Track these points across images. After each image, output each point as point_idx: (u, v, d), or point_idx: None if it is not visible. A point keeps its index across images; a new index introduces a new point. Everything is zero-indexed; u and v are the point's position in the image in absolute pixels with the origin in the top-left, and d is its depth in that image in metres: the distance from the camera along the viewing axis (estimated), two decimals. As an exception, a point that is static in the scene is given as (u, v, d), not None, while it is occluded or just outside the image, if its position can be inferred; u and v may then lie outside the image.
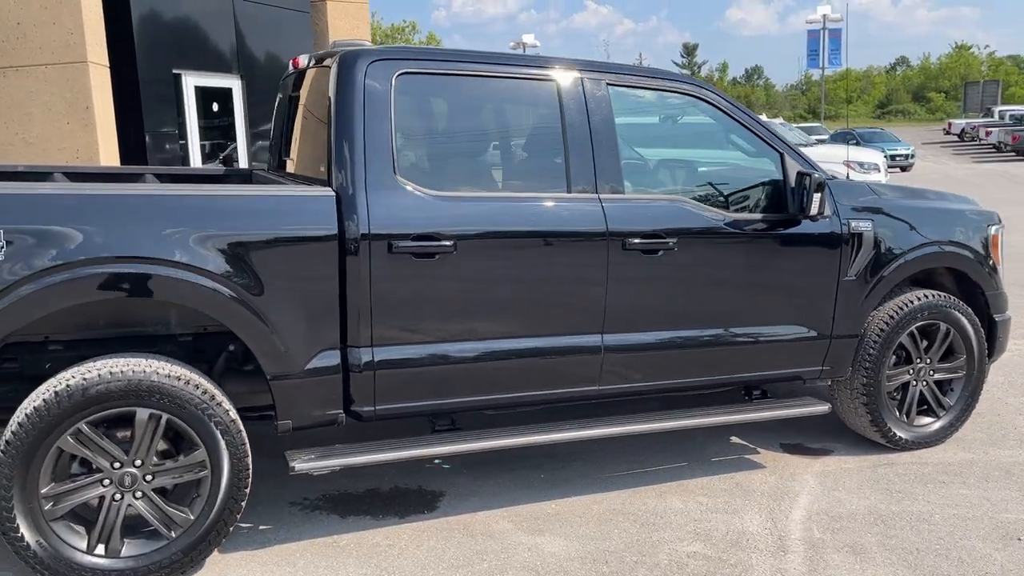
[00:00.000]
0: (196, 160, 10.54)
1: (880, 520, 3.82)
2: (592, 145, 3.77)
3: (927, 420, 4.69)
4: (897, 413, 4.59)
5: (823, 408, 4.37)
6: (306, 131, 4.10)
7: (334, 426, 3.51)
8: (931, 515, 3.86)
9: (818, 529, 3.75)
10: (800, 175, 4.05)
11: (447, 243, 3.45)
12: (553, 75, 3.79)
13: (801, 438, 4.84)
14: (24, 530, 3.04)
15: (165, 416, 3.17)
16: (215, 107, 10.92)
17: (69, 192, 3.13)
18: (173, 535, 3.26)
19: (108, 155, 9.13)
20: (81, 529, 3.19)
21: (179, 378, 3.18)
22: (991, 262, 4.70)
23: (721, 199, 4.10)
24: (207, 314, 3.22)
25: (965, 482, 4.22)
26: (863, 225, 4.27)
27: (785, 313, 4.19)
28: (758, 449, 4.70)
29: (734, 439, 4.83)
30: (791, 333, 4.21)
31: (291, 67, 4.25)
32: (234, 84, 11.18)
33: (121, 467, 3.17)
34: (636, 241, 3.76)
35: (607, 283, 3.76)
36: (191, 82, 10.45)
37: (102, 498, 3.17)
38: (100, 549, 3.18)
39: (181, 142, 10.38)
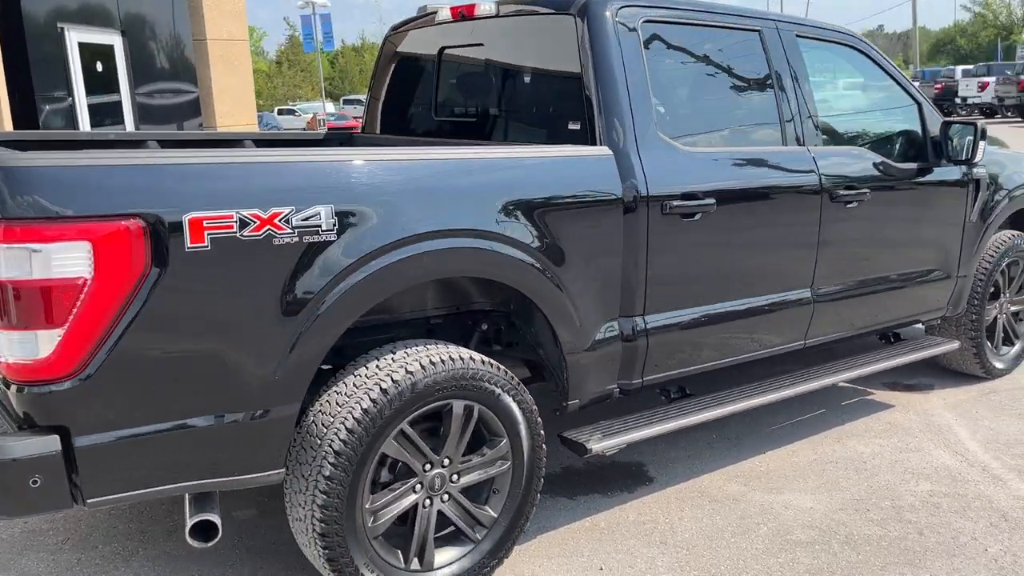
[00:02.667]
0: (85, 124, 9.31)
1: (1048, 442, 4.16)
2: (797, 96, 3.75)
3: (1006, 349, 5.13)
4: (990, 345, 4.98)
5: (955, 345, 4.66)
6: (479, 87, 3.74)
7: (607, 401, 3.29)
8: (1081, 433, 4.26)
9: (1007, 457, 4.01)
10: (951, 124, 4.25)
11: (710, 201, 3.30)
12: (759, 26, 3.71)
13: (894, 378, 5.11)
14: (354, 554, 2.62)
15: (477, 407, 2.83)
16: (99, 66, 9.65)
17: (391, 161, 2.66)
18: (479, 537, 2.94)
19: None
20: (389, 544, 2.79)
21: (491, 364, 2.84)
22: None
23: (884, 148, 4.21)
24: (518, 289, 2.89)
25: (1073, 401, 4.67)
26: (980, 171, 4.55)
27: (929, 256, 4.40)
28: (869, 390, 4.93)
29: (842, 385, 5.02)
30: (932, 275, 4.43)
31: (447, 15, 3.82)
32: (116, 40, 9.94)
33: (431, 468, 2.80)
34: (841, 192, 3.79)
35: (819, 235, 3.76)
36: (75, 37, 9.16)
37: (415, 506, 2.79)
38: (415, 564, 2.80)
39: (69, 102, 9.10)
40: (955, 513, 3.49)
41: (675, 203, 3.21)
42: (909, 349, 4.49)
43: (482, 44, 3.72)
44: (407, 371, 2.64)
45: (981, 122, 4.20)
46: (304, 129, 33.79)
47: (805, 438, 4.27)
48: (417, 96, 4.18)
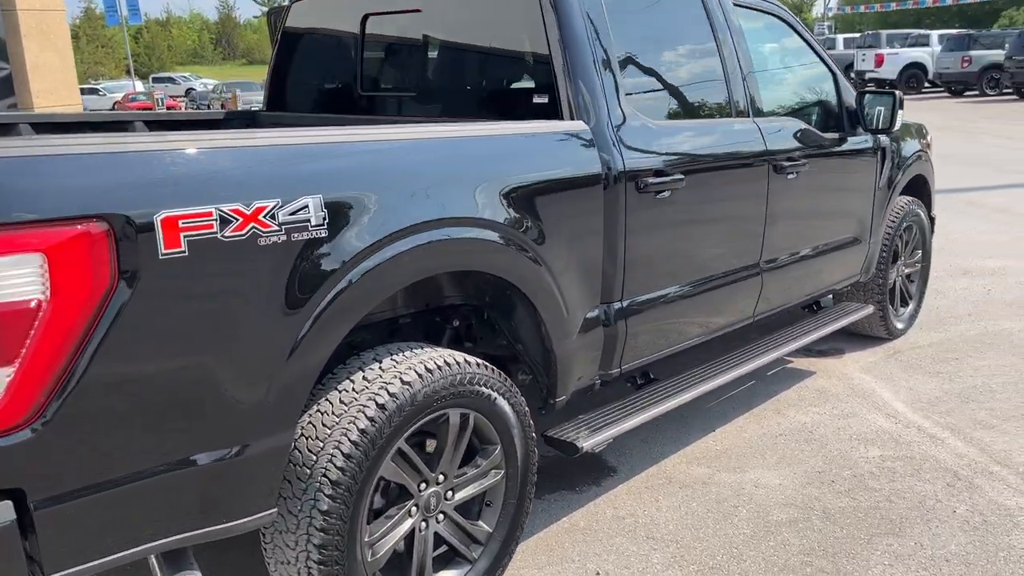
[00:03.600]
0: None
1: (966, 398, 4.33)
2: (740, 66, 3.65)
3: (903, 309, 5.35)
4: (891, 307, 5.17)
5: (870, 309, 4.78)
6: (417, 59, 3.40)
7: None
8: (991, 385, 4.46)
9: (935, 415, 4.14)
10: (867, 94, 4.31)
11: (679, 176, 3.14)
12: (701, -8, 3.57)
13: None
14: (357, 598, 2.28)
15: (472, 415, 2.54)
16: None
17: (379, 140, 2.30)
18: (475, 556, 2.66)
19: None
20: (384, 577, 2.47)
21: (485, 366, 2.56)
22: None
23: (810, 119, 4.21)
24: (512, 281, 2.61)
25: (973, 355, 4.91)
26: (884, 139, 4.67)
27: (850, 224, 4.48)
28: (788, 359, 4.99)
29: (759, 353, 5.07)
30: (852, 242, 4.51)
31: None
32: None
33: (426, 488, 2.49)
34: (784, 163, 3.75)
35: (767, 206, 3.71)
36: None
37: (412, 532, 2.48)
38: (412, 597, 2.50)
39: None
40: (911, 477, 3.55)
41: (650, 179, 3.03)
42: (834, 316, 4.56)
43: (419, 10, 3.36)
44: (403, 381, 2.32)
45: (899, 92, 4.28)
46: (112, 110, 31.32)
47: (746, 412, 4.24)
48: (334, 70, 3.77)
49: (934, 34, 29.48)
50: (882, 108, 4.25)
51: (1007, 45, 25.24)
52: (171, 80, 54.14)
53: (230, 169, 1.95)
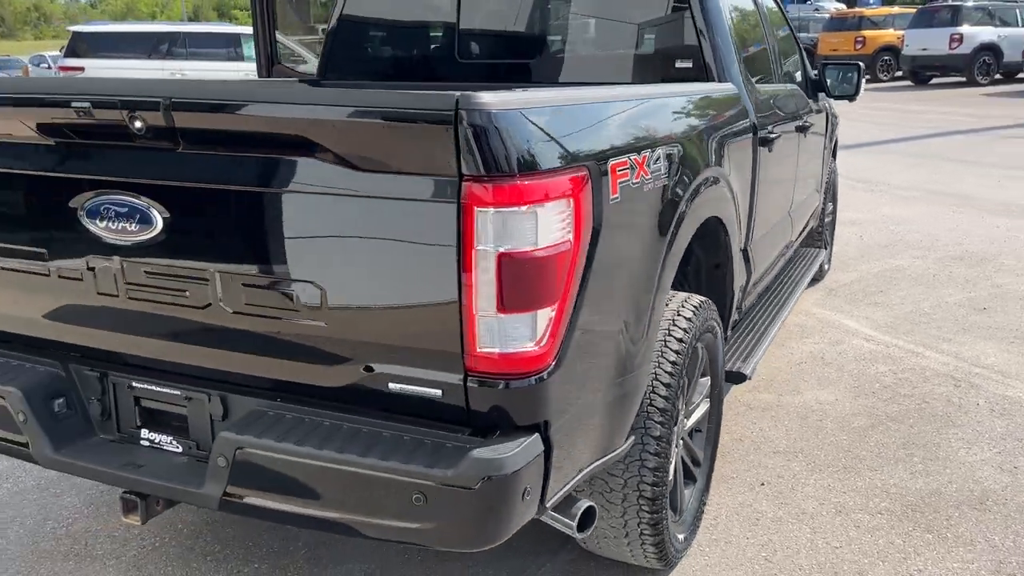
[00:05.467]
0: None
1: (914, 321, 5.17)
2: (774, 37, 4.15)
3: (824, 252, 6.18)
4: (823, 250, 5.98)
5: (825, 252, 5.52)
6: (533, 23, 3.54)
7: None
8: (923, 309, 5.35)
9: (902, 335, 4.93)
10: (830, 64, 4.98)
11: (777, 133, 3.57)
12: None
13: (751, 288, 5.90)
14: (667, 516, 2.50)
15: (703, 347, 2.82)
16: None
17: (675, 97, 2.47)
18: (697, 476, 2.95)
19: None
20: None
21: (713, 305, 2.84)
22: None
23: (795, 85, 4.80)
24: (727, 227, 2.89)
25: (891, 288, 5.82)
26: (828, 105, 5.41)
27: (815, 178, 5.15)
28: (748, 301, 5.64)
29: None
30: (814, 192, 5.20)
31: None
32: None
33: (678, 415, 2.74)
34: (804, 123, 4.31)
35: (797, 157, 4.24)
36: None
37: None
38: (675, 516, 2.74)
39: None
40: (925, 383, 4.26)
41: (766, 134, 3.43)
42: (808, 260, 5.23)
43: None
44: (685, 318, 2.55)
45: (861, 63, 4.99)
46: None
47: (756, 347, 4.79)
48: (419, 35, 3.77)
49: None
50: (847, 77, 4.93)
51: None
52: None
53: (628, 120, 2.10)
